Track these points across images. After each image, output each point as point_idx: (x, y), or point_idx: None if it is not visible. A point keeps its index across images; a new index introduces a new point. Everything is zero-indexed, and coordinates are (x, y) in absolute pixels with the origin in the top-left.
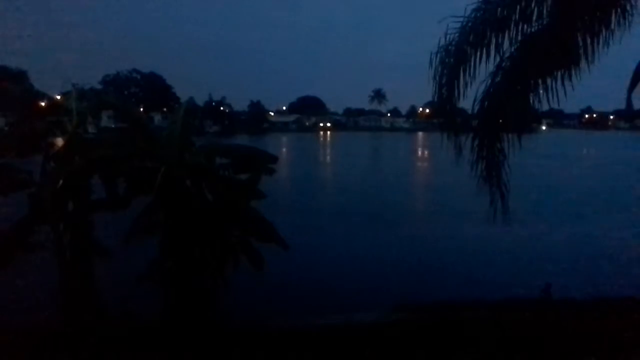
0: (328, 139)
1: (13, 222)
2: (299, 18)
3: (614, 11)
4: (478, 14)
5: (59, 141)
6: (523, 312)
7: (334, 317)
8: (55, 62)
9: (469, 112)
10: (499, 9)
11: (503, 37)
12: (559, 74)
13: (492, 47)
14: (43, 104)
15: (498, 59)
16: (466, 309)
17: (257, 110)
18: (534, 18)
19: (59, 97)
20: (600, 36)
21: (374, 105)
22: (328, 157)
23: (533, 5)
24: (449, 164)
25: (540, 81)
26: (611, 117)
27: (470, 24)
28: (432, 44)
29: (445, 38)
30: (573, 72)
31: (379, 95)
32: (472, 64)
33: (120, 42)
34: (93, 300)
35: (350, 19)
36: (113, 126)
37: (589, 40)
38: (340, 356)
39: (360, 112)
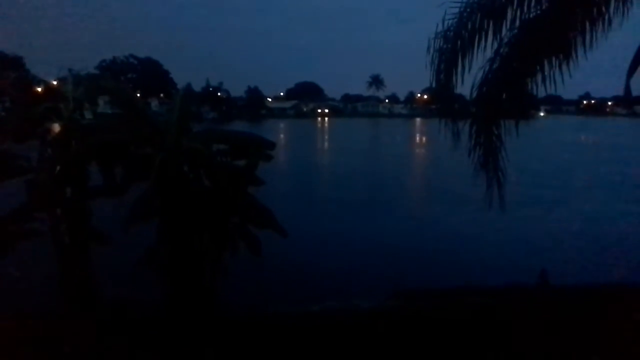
0: (326, 125)
1: (10, 209)
2: (296, 3)
3: None
4: (476, 0)
5: (56, 127)
6: (520, 298)
7: (330, 303)
8: (52, 47)
9: (467, 98)
10: None
11: (501, 23)
12: (557, 60)
13: (490, 33)
14: (39, 89)
15: (496, 45)
16: (464, 295)
17: (254, 96)
18: (533, 4)
19: (55, 83)
20: (599, 22)
21: (372, 91)
22: (326, 143)
23: None
24: (447, 150)
25: (538, 67)
26: (609, 103)
27: (468, 10)
28: (430, 29)
29: (443, 24)
30: (571, 58)
31: (377, 81)
32: (470, 50)
33: (116, 27)
34: (91, 288)
35: (347, 4)
36: (110, 112)
37: (587, 26)
38: (337, 343)
39: (358, 98)
